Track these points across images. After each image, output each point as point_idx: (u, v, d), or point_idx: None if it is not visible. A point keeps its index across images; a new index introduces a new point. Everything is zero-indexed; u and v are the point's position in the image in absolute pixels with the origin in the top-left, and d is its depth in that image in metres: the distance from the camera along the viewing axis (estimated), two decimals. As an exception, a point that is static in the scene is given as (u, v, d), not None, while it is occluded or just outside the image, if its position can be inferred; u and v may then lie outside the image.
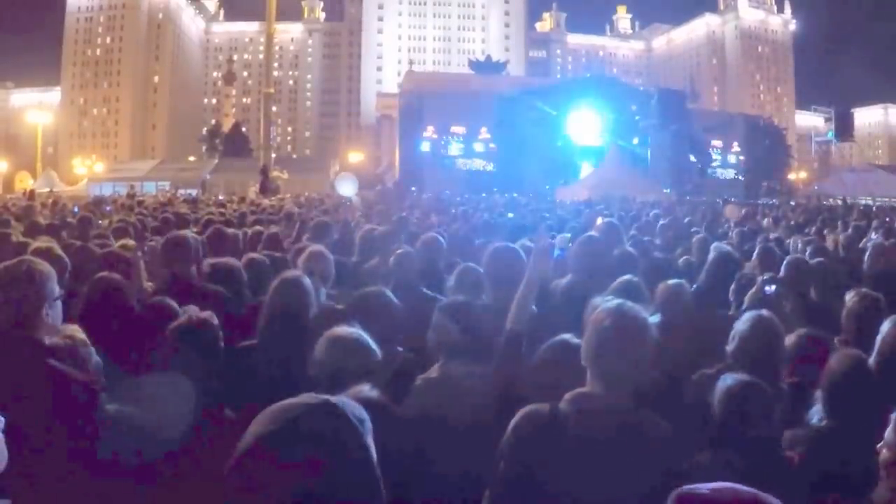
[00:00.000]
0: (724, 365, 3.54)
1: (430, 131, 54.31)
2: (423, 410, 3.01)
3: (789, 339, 3.76)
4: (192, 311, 3.66)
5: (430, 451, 2.79)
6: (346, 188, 17.22)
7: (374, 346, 3.05)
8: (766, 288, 4.77)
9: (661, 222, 10.92)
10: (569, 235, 6.36)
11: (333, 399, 1.52)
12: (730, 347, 3.65)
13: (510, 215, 14.33)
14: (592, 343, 2.60)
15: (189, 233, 6.00)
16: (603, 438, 2.44)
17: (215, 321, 3.30)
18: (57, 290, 2.74)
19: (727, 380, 3.02)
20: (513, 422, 2.55)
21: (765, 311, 3.70)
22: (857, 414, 2.92)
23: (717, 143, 60.03)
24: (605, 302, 2.81)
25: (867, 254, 7.09)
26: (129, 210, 14.64)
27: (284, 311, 3.71)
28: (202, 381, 2.89)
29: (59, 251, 4.71)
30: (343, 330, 3.07)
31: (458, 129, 53.93)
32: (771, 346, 3.55)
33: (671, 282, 4.58)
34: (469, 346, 3.18)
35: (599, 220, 8.76)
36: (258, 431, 1.44)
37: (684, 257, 7.55)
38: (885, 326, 3.57)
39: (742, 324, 3.65)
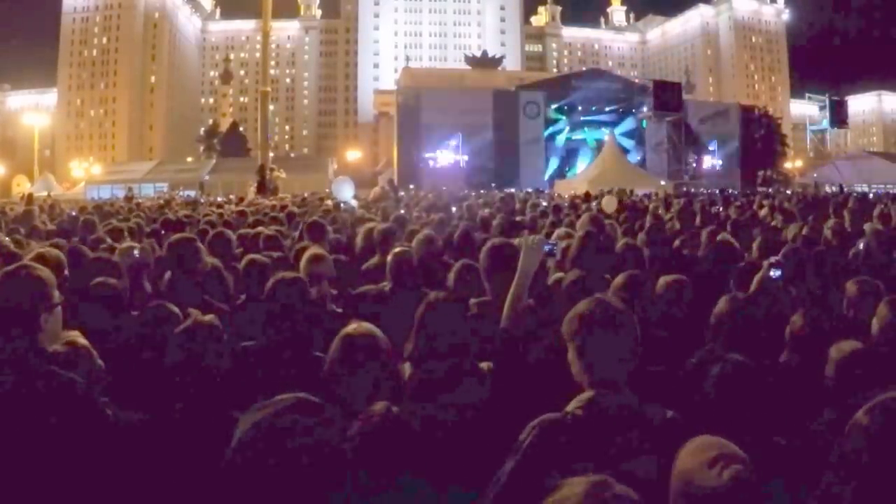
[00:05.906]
0: (705, 350, 3.55)
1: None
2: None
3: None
4: (195, 313, 3.68)
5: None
6: (343, 192, 17.11)
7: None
8: (773, 272, 4.73)
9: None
10: (562, 230, 6.37)
11: (307, 396, 1.62)
12: (710, 329, 3.67)
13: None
14: (575, 346, 2.55)
15: (188, 235, 6.01)
16: (618, 438, 2.39)
17: (218, 323, 3.32)
18: (56, 295, 2.73)
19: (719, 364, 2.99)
20: (532, 427, 2.45)
21: (739, 293, 3.70)
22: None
23: (712, 133, 59.79)
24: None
25: (865, 241, 7.09)
26: (128, 212, 14.61)
27: (282, 311, 3.74)
28: (207, 382, 2.91)
29: (60, 255, 4.71)
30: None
31: (456, 127, 53.52)
32: (749, 326, 3.55)
33: (670, 276, 4.59)
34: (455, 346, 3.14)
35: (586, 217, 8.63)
36: (243, 431, 1.54)
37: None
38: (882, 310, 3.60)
39: (718, 305, 3.67)
